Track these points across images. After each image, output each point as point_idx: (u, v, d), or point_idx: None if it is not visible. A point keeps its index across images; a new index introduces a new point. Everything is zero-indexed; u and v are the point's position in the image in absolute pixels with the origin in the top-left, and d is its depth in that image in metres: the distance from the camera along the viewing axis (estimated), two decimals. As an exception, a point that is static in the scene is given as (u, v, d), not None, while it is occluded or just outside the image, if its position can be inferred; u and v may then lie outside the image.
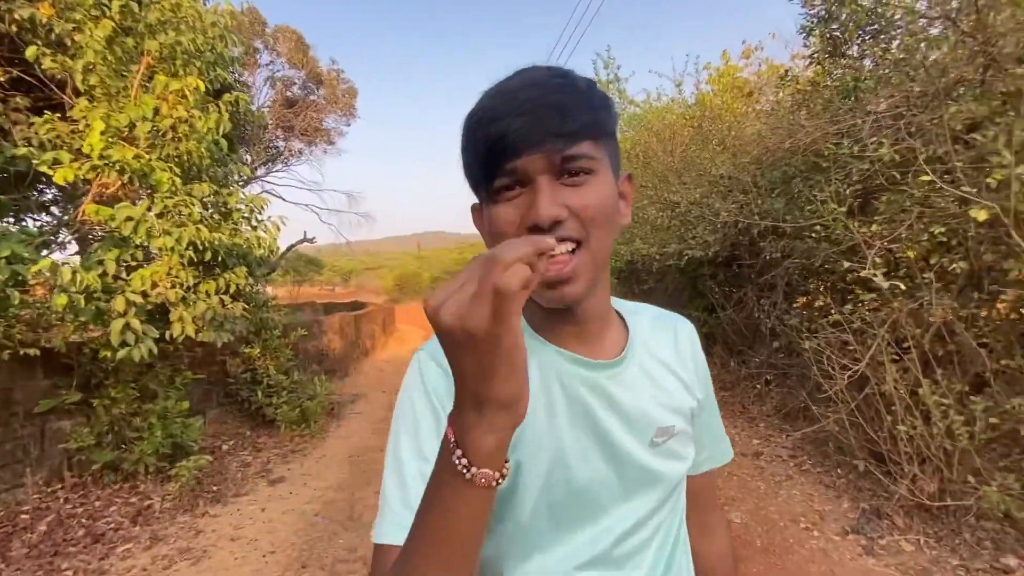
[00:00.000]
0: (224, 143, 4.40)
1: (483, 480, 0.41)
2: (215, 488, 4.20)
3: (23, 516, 3.54)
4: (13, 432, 3.77)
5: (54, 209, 6.12)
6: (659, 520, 0.66)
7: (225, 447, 5.16)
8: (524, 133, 0.51)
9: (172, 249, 3.69)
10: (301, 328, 6.40)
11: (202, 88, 3.83)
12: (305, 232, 12.21)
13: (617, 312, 0.71)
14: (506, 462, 0.44)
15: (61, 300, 3.20)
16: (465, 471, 0.41)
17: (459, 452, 0.41)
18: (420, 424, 0.59)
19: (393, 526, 0.54)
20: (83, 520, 3.56)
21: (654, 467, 0.64)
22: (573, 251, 0.53)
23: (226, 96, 4.29)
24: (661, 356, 0.70)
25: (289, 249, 12.38)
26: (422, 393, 0.61)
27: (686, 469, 0.69)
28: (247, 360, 5.71)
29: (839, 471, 3.75)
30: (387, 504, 0.56)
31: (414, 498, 0.53)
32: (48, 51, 3.61)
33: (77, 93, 4.06)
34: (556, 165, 0.52)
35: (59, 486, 3.90)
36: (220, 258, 4.22)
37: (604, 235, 0.55)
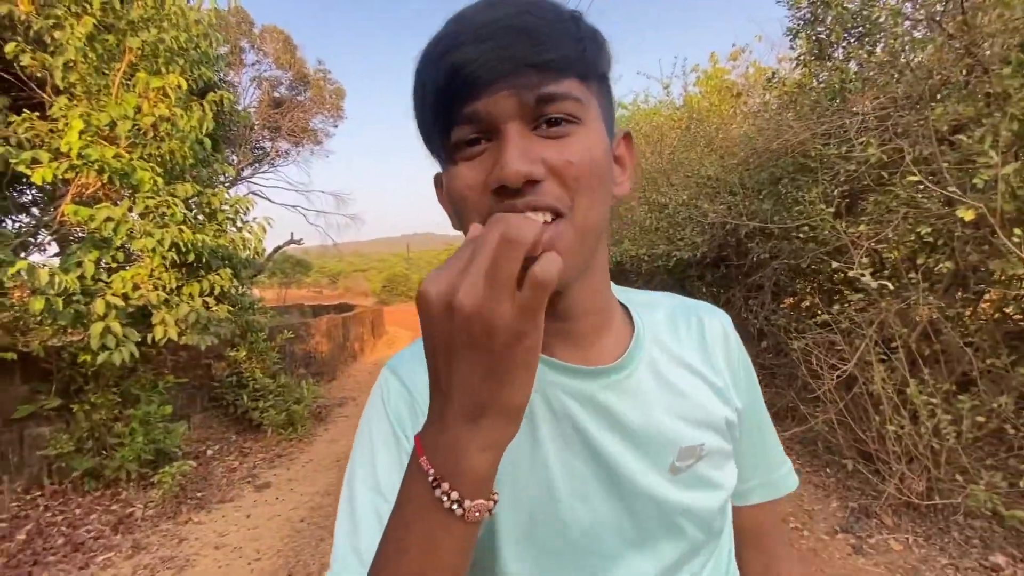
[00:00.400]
0: (208, 142, 4.33)
1: (477, 514, 0.34)
2: (199, 494, 4.11)
3: (1, 524, 3.44)
4: (-11, 439, 3.67)
5: (34, 210, 5.99)
6: (693, 570, 0.52)
7: (210, 452, 5.07)
8: (485, 64, 0.39)
9: (154, 250, 3.62)
10: (288, 331, 6.32)
11: (184, 86, 3.76)
12: (292, 234, 12.09)
13: (623, 307, 0.57)
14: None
15: (38, 304, 3.12)
16: (456, 507, 0.34)
17: (445, 485, 0.34)
18: (378, 455, 0.50)
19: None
20: (63, 528, 3.46)
21: (677, 500, 0.49)
22: (554, 220, 0.41)
23: (210, 95, 4.21)
24: (682, 357, 0.55)
25: (276, 251, 12.25)
26: (382, 417, 0.52)
27: (724, 500, 0.53)
28: (232, 363, 5.62)
29: (828, 471, 3.77)
30: (336, 556, 0.47)
31: (367, 548, 0.45)
32: (27, 48, 3.51)
33: (57, 91, 3.97)
34: (530, 108, 0.40)
35: (38, 493, 3.79)
36: (204, 260, 4.15)
37: (594, 203, 0.43)
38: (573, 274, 0.44)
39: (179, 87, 3.70)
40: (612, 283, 0.56)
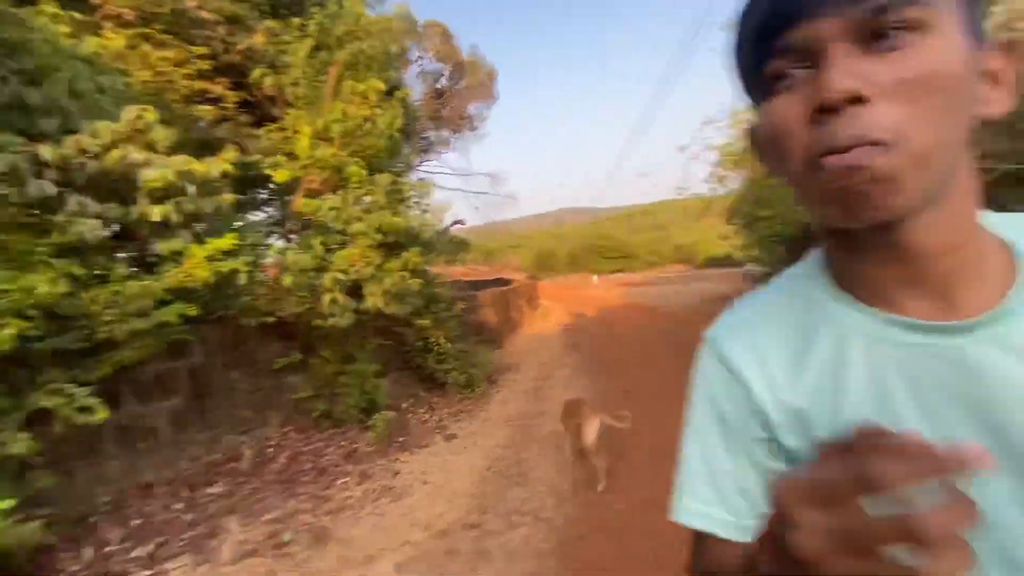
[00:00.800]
0: (398, 136, 4.92)
1: None
2: (401, 439, 4.83)
3: (269, 449, 4.48)
4: (259, 384, 4.76)
5: (266, 207, 7.46)
6: None
7: (405, 405, 5.89)
8: None
9: (364, 233, 4.27)
10: (463, 302, 6.96)
11: (383, 89, 4.31)
12: (456, 215, 13.18)
13: (1002, 241, 0.45)
14: None
15: (288, 279, 3.93)
16: None
17: None
18: (707, 436, 0.52)
19: (695, 516, 0.51)
20: (310, 456, 4.38)
21: None
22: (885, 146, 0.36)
23: (398, 93, 4.77)
24: None
25: (445, 231, 13.51)
26: (703, 397, 0.53)
27: None
28: (419, 330, 6.40)
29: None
30: (681, 488, 0.52)
31: (701, 492, 0.51)
32: (268, 71, 4.35)
33: (285, 105, 4.85)
34: (860, 22, 0.36)
35: (290, 428, 4.83)
36: (400, 240, 4.77)
37: (936, 124, 0.36)
38: (920, 200, 0.38)
39: (378, 90, 4.26)
40: (989, 213, 0.46)
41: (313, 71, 4.53)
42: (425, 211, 5.18)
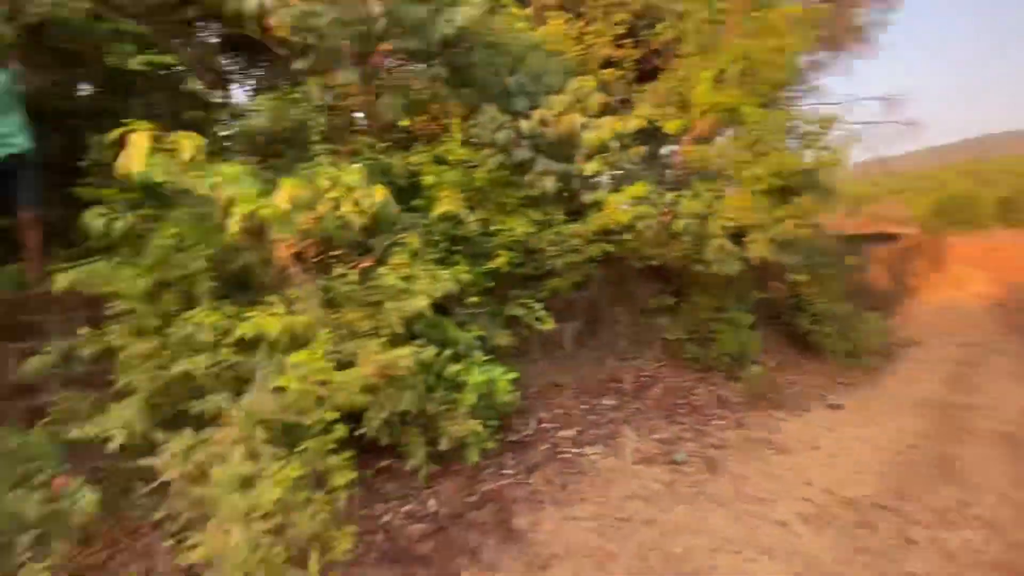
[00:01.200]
0: (798, 67, 4.38)
1: None
2: (771, 396, 4.61)
3: (644, 378, 5.00)
4: (635, 320, 5.34)
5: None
6: None
7: (772, 363, 5.56)
8: None
9: (757, 178, 4.07)
10: (854, 258, 5.94)
11: (799, 12, 3.88)
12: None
13: None
14: None
15: (680, 224, 4.15)
16: None
17: None
18: None
19: None
20: (682, 393, 4.69)
21: None
22: None
23: (806, 11, 4.19)
24: None
25: (844, 173, 11.58)
26: None
27: None
28: (792, 285, 5.83)
29: None
30: None
31: None
32: (670, 24, 4.51)
33: (673, 56, 4.95)
34: None
35: (662, 364, 5.27)
36: (792, 184, 4.35)
37: None
38: None
39: (791, 15, 3.85)
40: None
41: (712, 12, 4.44)
42: (823, 149, 4.51)
